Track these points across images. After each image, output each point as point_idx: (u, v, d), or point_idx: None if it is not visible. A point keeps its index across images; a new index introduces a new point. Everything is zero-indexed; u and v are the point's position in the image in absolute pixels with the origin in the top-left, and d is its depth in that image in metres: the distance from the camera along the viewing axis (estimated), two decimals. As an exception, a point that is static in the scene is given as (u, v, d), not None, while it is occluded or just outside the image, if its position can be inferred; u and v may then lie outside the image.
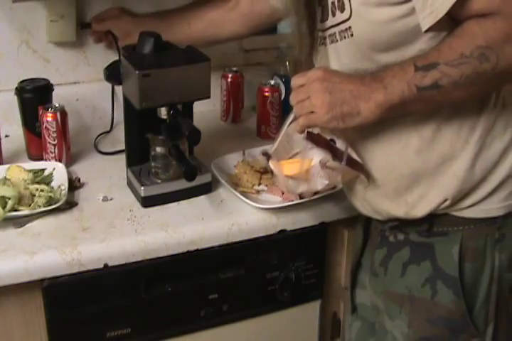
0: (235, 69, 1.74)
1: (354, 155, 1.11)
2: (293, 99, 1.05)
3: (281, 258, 1.35)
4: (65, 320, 1.20)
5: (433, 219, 1.12)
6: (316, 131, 1.13)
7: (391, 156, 1.10)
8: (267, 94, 1.64)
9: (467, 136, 1.05)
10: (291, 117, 1.10)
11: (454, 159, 1.06)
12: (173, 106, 1.30)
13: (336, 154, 1.10)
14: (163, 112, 1.31)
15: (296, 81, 1.04)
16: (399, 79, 0.96)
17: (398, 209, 1.13)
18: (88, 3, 1.64)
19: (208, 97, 1.31)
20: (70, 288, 1.18)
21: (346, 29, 1.05)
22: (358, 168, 1.12)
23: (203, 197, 1.36)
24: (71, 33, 1.64)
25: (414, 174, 1.09)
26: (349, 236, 1.42)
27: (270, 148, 1.14)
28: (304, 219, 1.33)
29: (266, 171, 1.44)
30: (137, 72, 1.22)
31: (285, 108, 1.72)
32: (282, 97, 1.69)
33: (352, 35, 1.04)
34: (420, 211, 1.11)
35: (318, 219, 1.35)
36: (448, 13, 0.93)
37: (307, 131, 1.11)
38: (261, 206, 1.30)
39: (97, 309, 1.22)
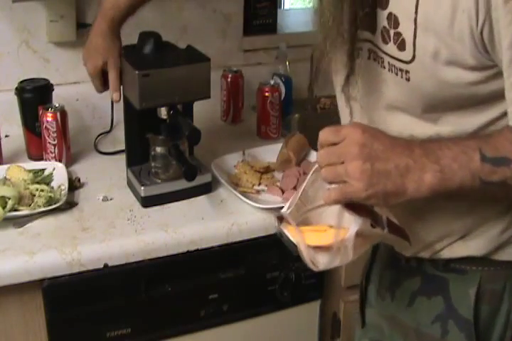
0: (235, 69, 1.74)
1: (393, 219, 0.92)
2: (322, 160, 0.86)
3: (281, 258, 1.35)
4: (65, 320, 1.20)
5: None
6: None
7: (425, 216, 1.00)
8: (267, 94, 1.64)
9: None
10: (311, 173, 0.92)
11: (494, 220, 0.97)
12: (173, 106, 1.30)
13: (375, 220, 0.90)
14: (163, 112, 1.31)
15: (326, 136, 0.86)
16: (461, 165, 0.82)
17: (423, 253, 1.04)
18: (88, 3, 1.64)
19: (208, 97, 1.31)
20: (70, 288, 1.18)
21: (402, 70, 0.90)
22: (398, 233, 0.93)
23: (203, 197, 1.36)
24: (71, 33, 1.64)
25: (448, 231, 1.00)
26: (349, 236, 1.42)
27: (285, 209, 0.91)
28: (304, 219, 1.33)
29: (266, 171, 1.44)
30: (137, 72, 1.22)
31: (285, 108, 1.72)
32: (282, 97, 1.69)
33: (408, 80, 0.89)
34: (444, 255, 1.03)
35: (318, 219, 1.35)
36: None
37: None
38: (261, 206, 1.30)
39: (97, 309, 1.22)
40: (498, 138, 0.83)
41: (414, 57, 0.87)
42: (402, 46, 0.88)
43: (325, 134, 0.85)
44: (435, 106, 0.90)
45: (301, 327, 1.46)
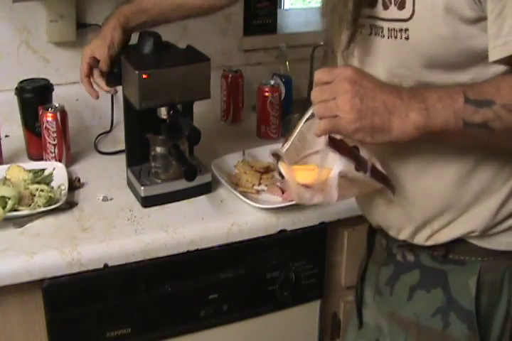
0: (235, 69, 1.74)
1: (379, 166, 0.99)
2: (315, 97, 0.90)
3: (281, 258, 1.35)
4: (65, 320, 1.20)
5: (451, 246, 1.03)
6: (338, 136, 0.99)
7: (425, 182, 1.01)
8: (267, 94, 1.64)
9: (510, 171, 0.98)
10: (308, 114, 0.96)
11: (491, 194, 0.99)
12: (173, 106, 1.30)
13: (359, 163, 0.96)
14: (163, 112, 1.31)
15: (320, 76, 0.90)
16: (445, 105, 0.85)
17: (420, 234, 1.05)
18: (88, 3, 1.64)
19: (208, 97, 1.31)
20: (70, 288, 1.18)
21: (401, 30, 0.93)
22: (382, 180, 0.99)
23: (203, 197, 1.36)
24: (71, 33, 1.64)
25: (447, 204, 1.01)
26: (349, 236, 1.42)
27: (281, 148, 0.99)
28: (304, 219, 1.33)
29: (266, 171, 1.44)
30: (137, 72, 1.22)
31: (285, 108, 1.72)
32: (282, 97, 1.69)
33: (407, 38, 0.92)
34: (443, 237, 1.03)
35: (318, 219, 1.35)
36: None
37: (328, 136, 0.95)
38: (261, 206, 1.30)
39: (97, 309, 1.22)
40: (482, 84, 0.86)
41: (413, 12, 0.90)
42: (401, 5, 0.92)
43: (319, 74, 0.90)
44: (434, 67, 0.92)
45: (301, 327, 1.46)
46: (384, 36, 0.96)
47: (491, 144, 0.91)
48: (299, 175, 0.98)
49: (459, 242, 1.02)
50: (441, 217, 1.02)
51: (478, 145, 0.94)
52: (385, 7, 0.94)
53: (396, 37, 0.94)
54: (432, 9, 0.89)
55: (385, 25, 0.95)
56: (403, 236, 1.07)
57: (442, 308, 1.05)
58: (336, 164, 0.94)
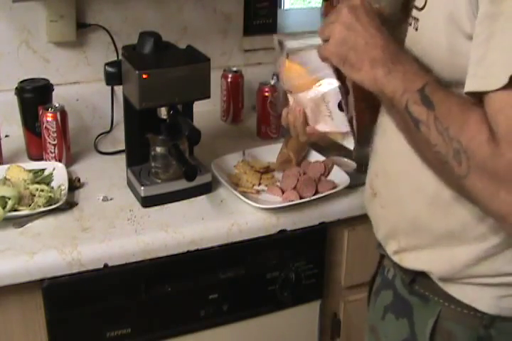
0: (235, 69, 1.74)
1: (354, 123, 1.02)
2: (323, 22, 0.95)
3: (281, 258, 1.35)
4: (65, 320, 1.20)
5: (417, 275, 1.00)
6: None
7: (403, 186, 0.98)
8: (267, 94, 1.64)
9: (486, 224, 0.90)
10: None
11: (463, 240, 0.92)
12: (173, 106, 1.30)
13: (345, 102, 1.00)
14: (163, 112, 1.31)
15: (330, 17, 0.94)
16: (403, 80, 0.85)
17: (390, 244, 1.04)
18: (88, 3, 1.64)
19: (208, 97, 1.31)
20: (70, 288, 1.18)
21: (415, 18, 0.91)
22: (352, 130, 1.02)
23: (203, 197, 1.36)
24: (71, 33, 1.64)
25: (416, 222, 0.97)
26: (349, 236, 1.42)
27: (290, 45, 1.03)
28: (303, 219, 1.33)
29: (266, 171, 1.44)
30: (137, 72, 1.22)
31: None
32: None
33: (416, 29, 0.90)
34: (408, 262, 1.01)
35: (318, 219, 1.35)
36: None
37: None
38: (261, 206, 1.30)
39: (97, 309, 1.22)
40: (445, 89, 0.83)
41: (426, 2, 0.88)
42: None
43: (331, 16, 0.94)
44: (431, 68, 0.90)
45: (301, 327, 1.46)
46: (411, 24, 0.93)
47: (412, 143, 0.89)
48: (295, 71, 1.03)
49: (424, 274, 0.98)
50: (409, 236, 0.99)
51: (407, 139, 0.90)
52: None
53: (411, 24, 0.92)
54: (438, 5, 0.85)
55: (413, 13, 0.92)
56: (379, 236, 1.08)
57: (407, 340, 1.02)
58: (327, 83, 1.00)
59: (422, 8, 0.89)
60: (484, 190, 0.77)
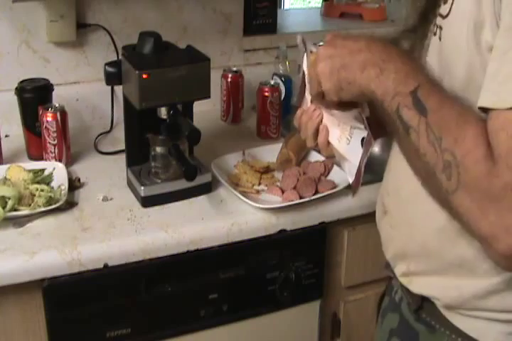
0: (235, 69, 1.74)
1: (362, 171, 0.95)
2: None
3: (281, 258, 1.35)
4: (65, 320, 1.20)
5: (424, 302, 0.97)
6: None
7: (412, 208, 0.96)
8: (267, 94, 1.64)
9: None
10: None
11: (472, 273, 0.90)
12: (173, 106, 1.30)
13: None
14: (163, 112, 1.31)
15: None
16: (395, 80, 0.79)
17: (399, 266, 1.01)
18: (88, 3, 1.64)
19: (208, 97, 1.31)
20: (70, 288, 1.18)
21: (439, 27, 0.85)
22: (357, 175, 0.95)
23: (203, 197, 1.36)
24: (71, 33, 1.64)
25: (426, 246, 0.94)
26: (349, 236, 1.42)
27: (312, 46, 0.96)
28: (304, 219, 1.33)
29: (266, 171, 1.44)
30: (137, 72, 1.22)
31: (285, 108, 1.72)
32: (282, 97, 1.69)
33: (440, 39, 0.85)
34: (417, 287, 0.98)
35: (318, 219, 1.35)
36: None
37: None
38: (261, 206, 1.30)
39: (97, 309, 1.22)
40: (442, 92, 0.78)
41: (450, 10, 0.82)
42: None
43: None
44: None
45: (301, 327, 1.46)
46: (435, 34, 0.87)
47: (401, 149, 0.85)
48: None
49: (431, 302, 0.96)
50: (418, 259, 0.97)
51: (397, 143, 0.86)
52: (445, 2, 0.85)
53: (435, 34, 0.86)
54: (462, 15, 0.79)
55: (438, 21, 0.86)
56: (388, 255, 1.05)
57: None
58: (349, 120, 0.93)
59: (446, 15, 0.83)
60: (472, 208, 0.73)
